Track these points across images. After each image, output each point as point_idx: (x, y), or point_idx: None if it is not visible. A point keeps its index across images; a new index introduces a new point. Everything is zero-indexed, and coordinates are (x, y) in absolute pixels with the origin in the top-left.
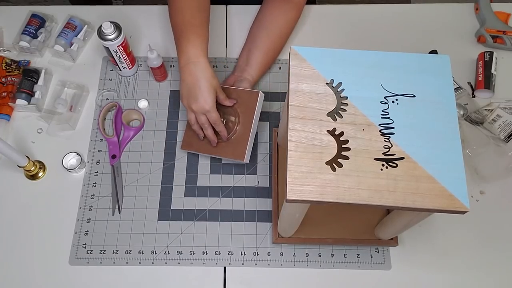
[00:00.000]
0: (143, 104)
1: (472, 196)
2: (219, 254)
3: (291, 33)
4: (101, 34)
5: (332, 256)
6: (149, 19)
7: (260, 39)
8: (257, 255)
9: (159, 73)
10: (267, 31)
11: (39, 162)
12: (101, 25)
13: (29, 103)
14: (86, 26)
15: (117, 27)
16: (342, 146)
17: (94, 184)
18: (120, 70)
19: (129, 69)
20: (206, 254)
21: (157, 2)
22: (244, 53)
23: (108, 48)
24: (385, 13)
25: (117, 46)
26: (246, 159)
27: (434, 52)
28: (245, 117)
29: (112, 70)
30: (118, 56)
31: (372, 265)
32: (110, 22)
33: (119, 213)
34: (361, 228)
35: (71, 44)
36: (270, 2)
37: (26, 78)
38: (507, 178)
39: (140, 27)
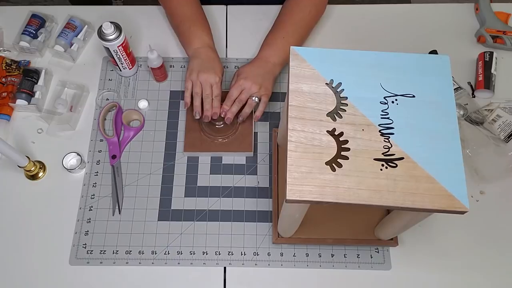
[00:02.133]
0: (143, 104)
1: (472, 196)
2: (219, 254)
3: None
4: (101, 35)
5: (332, 256)
6: (149, 19)
7: (281, 25)
8: (257, 255)
9: (159, 73)
10: (284, 16)
11: (39, 162)
12: (101, 26)
13: (29, 103)
14: (86, 26)
15: (117, 28)
16: (342, 146)
17: (94, 184)
18: (120, 71)
19: (129, 69)
20: (206, 254)
21: (157, 2)
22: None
23: (108, 48)
24: (385, 13)
25: (118, 47)
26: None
27: (434, 52)
28: None
29: (112, 70)
30: (118, 56)
31: (372, 265)
32: (111, 22)
33: (119, 213)
34: (361, 228)
35: (71, 44)
36: None
37: (26, 78)
38: (507, 178)
39: (140, 27)
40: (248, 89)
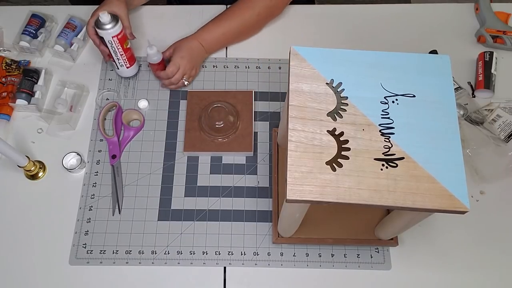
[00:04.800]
0: (143, 104)
1: (472, 196)
2: (219, 254)
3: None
4: (97, 23)
5: (332, 256)
6: (149, 19)
7: (227, 19)
8: (257, 255)
9: (159, 69)
10: (238, 14)
11: (39, 162)
12: (99, 15)
13: (29, 103)
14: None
15: (115, 18)
16: (342, 146)
17: (94, 184)
18: (118, 69)
19: (127, 67)
20: (206, 254)
21: (157, 2)
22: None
23: (103, 38)
24: (385, 13)
25: (112, 37)
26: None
27: (434, 52)
28: (244, 114)
29: (112, 70)
30: (114, 49)
31: (372, 265)
32: (108, 12)
33: (119, 213)
34: (361, 228)
35: (71, 44)
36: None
37: (26, 78)
38: (507, 178)
39: (140, 27)
40: (183, 69)
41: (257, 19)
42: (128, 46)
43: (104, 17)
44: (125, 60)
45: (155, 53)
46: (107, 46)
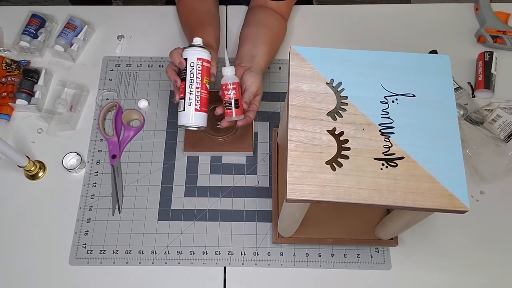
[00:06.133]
0: (143, 104)
1: (472, 196)
2: (219, 254)
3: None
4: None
5: (332, 256)
6: (149, 19)
7: (262, 33)
8: (257, 255)
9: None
10: (266, 28)
11: (39, 162)
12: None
13: (29, 103)
14: (86, 26)
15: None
16: (342, 145)
17: (94, 184)
18: (183, 110)
19: (195, 110)
20: (206, 254)
21: (157, 2)
22: (246, 45)
23: (186, 59)
24: (385, 13)
25: (197, 59)
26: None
27: (434, 52)
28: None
29: (112, 70)
30: (191, 76)
31: (372, 265)
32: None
33: (119, 213)
34: (361, 228)
35: (71, 44)
36: (260, 9)
37: (26, 78)
38: (507, 178)
39: (140, 27)
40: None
41: (280, 28)
42: (207, 86)
43: (197, 40)
44: (197, 98)
45: (232, 74)
46: (184, 76)
